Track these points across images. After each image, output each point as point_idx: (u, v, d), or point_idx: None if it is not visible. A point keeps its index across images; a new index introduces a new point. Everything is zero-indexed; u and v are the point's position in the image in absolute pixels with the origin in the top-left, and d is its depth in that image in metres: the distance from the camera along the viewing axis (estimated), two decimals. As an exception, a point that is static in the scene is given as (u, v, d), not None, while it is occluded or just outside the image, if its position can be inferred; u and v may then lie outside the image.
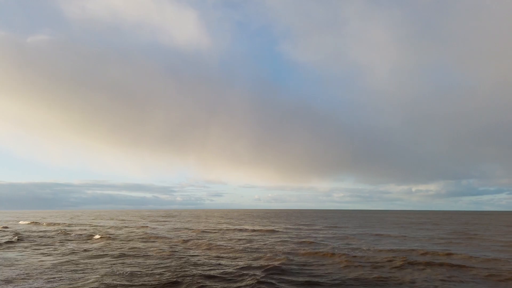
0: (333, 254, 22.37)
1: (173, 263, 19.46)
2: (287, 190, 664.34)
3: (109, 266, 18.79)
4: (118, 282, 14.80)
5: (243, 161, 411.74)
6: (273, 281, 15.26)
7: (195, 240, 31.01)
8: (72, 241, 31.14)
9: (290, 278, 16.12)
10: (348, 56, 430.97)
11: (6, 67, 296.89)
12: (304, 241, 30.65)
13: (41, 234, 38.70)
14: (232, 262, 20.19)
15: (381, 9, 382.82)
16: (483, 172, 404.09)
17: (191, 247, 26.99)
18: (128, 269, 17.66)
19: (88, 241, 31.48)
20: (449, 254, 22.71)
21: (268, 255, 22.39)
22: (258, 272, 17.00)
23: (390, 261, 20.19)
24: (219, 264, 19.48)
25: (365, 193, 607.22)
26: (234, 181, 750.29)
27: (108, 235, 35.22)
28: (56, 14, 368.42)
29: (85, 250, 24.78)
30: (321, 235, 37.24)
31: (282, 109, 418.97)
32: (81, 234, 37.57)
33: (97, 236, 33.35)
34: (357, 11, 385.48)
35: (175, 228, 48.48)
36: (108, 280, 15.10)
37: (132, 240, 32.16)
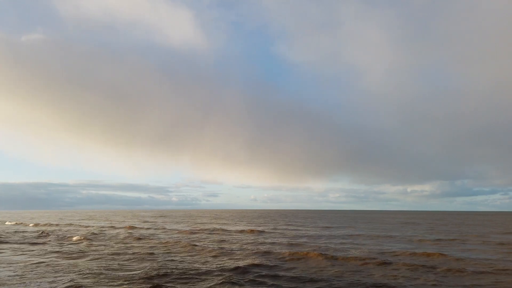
0: (312, 254, 21.94)
1: (147, 264, 18.97)
2: (283, 191, 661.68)
3: (81, 267, 18.27)
4: (86, 284, 14.29)
5: (238, 161, 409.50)
6: (241, 281, 14.82)
7: (177, 241, 30.52)
8: (50, 242, 30.56)
9: (260, 276, 15.68)
10: (344, 57, 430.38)
11: (0, 66, 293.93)
12: (287, 242, 30.24)
13: (21, 234, 38.05)
14: (206, 262, 19.73)
15: (377, 9, 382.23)
16: (477, 173, 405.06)
17: (171, 248, 26.50)
18: (100, 270, 17.15)
19: (67, 242, 30.91)
20: (429, 255, 22.36)
21: (244, 255, 22.00)
22: (228, 272, 16.58)
23: (373, 259, 19.80)
24: (192, 264, 19.00)
25: (360, 194, 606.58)
26: (230, 181, 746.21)
27: (89, 236, 34.60)
28: (50, 13, 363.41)
29: (60, 252, 24.22)
30: (307, 235, 36.85)
31: (278, 109, 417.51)
32: (61, 235, 36.95)
33: (76, 238, 32.74)
34: (353, 12, 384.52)
35: (163, 228, 47.95)
36: (77, 282, 14.60)
37: (113, 241, 31.61)
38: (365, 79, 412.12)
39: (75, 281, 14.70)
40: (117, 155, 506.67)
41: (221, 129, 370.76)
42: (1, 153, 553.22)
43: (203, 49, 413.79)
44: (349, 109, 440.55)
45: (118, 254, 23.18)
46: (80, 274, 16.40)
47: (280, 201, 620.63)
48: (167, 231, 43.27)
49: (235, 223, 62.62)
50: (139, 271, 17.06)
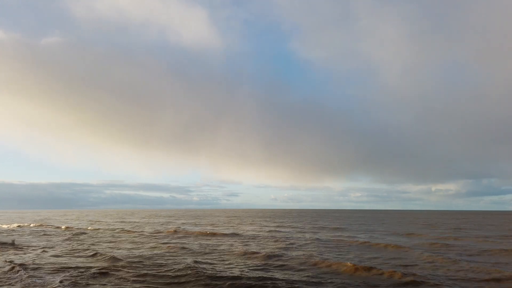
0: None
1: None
2: (301, 190, 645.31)
3: None
4: None
5: (255, 161, 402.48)
6: None
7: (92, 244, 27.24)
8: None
9: None
10: (360, 53, 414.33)
11: (21, 69, 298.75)
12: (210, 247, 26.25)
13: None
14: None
15: (392, 4, 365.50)
16: (503, 171, 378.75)
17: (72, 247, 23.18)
18: None
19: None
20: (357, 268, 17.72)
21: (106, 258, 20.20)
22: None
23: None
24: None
25: (383, 193, 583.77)
26: (248, 181, 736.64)
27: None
28: (66, 15, 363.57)
29: None
30: (259, 236, 32.61)
31: (293, 108, 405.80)
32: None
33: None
34: (368, 7, 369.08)
35: (124, 230, 44.57)
36: None
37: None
38: (382, 76, 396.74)
39: None
40: (135, 156, 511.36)
41: (236, 128, 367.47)
42: (23, 154, 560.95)
43: (217, 48, 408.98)
44: (366, 107, 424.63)
45: None
46: None
47: (300, 201, 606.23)
48: (127, 232, 40.33)
49: (218, 225, 58.95)
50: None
